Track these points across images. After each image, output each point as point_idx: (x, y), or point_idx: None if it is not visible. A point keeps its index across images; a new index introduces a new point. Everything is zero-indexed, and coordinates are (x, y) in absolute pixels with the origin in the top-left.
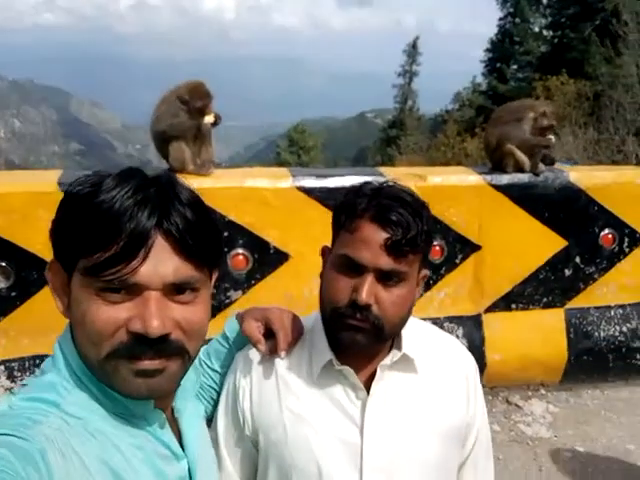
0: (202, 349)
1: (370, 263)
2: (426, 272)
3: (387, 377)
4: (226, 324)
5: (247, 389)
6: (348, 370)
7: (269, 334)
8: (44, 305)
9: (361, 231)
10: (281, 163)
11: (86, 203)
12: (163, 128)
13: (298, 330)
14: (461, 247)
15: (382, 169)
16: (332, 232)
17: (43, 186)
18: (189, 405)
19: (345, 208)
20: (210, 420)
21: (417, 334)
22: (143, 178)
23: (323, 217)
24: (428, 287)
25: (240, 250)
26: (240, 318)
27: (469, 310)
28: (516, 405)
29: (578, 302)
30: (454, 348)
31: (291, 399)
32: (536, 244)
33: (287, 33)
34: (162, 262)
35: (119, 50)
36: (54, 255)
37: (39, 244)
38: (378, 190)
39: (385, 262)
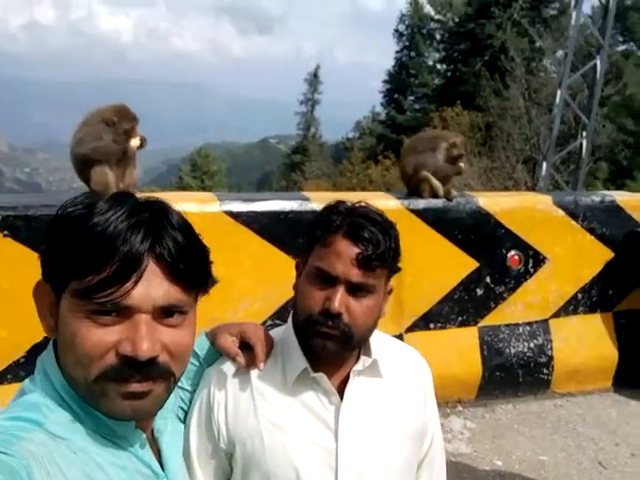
0: None
1: (342, 275)
2: (392, 286)
3: (357, 382)
4: (195, 342)
5: (222, 402)
6: (322, 377)
7: (244, 348)
8: None
9: (335, 245)
10: (184, 187)
11: (79, 225)
12: (85, 151)
13: (270, 343)
14: None
15: (307, 194)
16: (306, 246)
17: None
18: (169, 425)
19: (321, 224)
20: None
21: (378, 342)
22: (136, 202)
23: (250, 241)
24: None
25: None
26: (212, 335)
27: (391, 330)
28: None
29: (490, 320)
30: (411, 355)
31: (267, 409)
32: (451, 265)
33: (188, 58)
34: (153, 286)
35: (9, 71)
36: (43, 276)
37: None
38: (351, 209)
39: (356, 275)
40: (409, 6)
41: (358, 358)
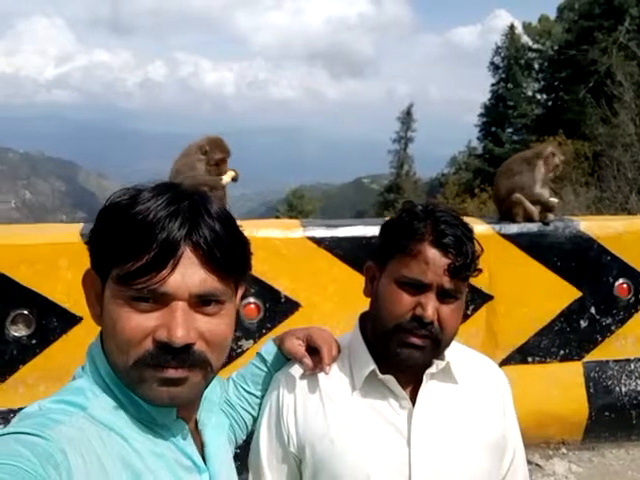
0: (236, 373)
1: (434, 282)
2: (466, 290)
3: (430, 386)
4: (262, 348)
5: (291, 405)
6: (391, 380)
7: (310, 351)
8: (62, 353)
9: (423, 255)
10: None
11: (123, 213)
12: (181, 181)
13: (337, 347)
14: (472, 297)
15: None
16: (382, 251)
17: (67, 237)
18: (213, 418)
19: (404, 232)
20: (247, 441)
21: (455, 350)
22: (177, 192)
23: (332, 266)
24: None
25: (252, 299)
26: (279, 340)
27: None
28: (537, 465)
29: (596, 355)
30: (488, 365)
31: (336, 412)
32: (549, 294)
33: (284, 104)
34: (189, 273)
35: (125, 124)
36: (90, 264)
37: (59, 293)
38: (432, 214)
39: (447, 281)
40: (505, 38)
41: (430, 361)
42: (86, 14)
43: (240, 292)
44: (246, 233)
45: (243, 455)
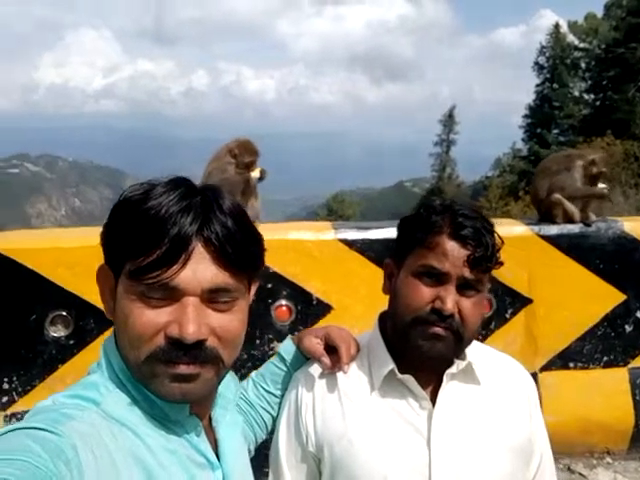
0: (255, 372)
1: (454, 272)
2: (488, 285)
3: (450, 387)
4: (281, 347)
5: (310, 405)
6: (410, 380)
7: (329, 350)
8: (99, 353)
9: (442, 247)
10: None
11: (136, 208)
12: (212, 183)
13: (356, 346)
14: (511, 300)
15: None
16: (400, 247)
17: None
18: (228, 415)
19: (421, 225)
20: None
21: (477, 350)
22: (190, 187)
23: (364, 268)
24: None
25: (284, 301)
26: (297, 339)
27: None
28: (580, 474)
29: None
30: (513, 366)
31: (354, 411)
32: (591, 297)
33: (324, 109)
34: (201, 269)
35: (169, 132)
36: (104, 260)
37: (97, 295)
38: (450, 207)
39: (467, 272)
40: (550, 37)
41: (451, 362)
42: (132, 25)
43: (254, 288)
44: (278, 236)
45: (264, 454)
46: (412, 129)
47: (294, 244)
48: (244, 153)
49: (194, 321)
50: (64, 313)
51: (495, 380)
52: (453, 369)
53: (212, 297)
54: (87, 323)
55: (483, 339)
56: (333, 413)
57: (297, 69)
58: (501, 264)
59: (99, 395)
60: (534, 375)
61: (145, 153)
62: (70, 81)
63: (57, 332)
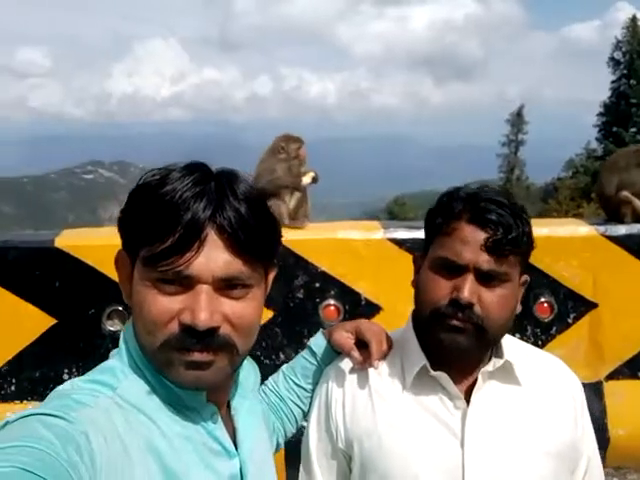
0: (286, 365)
1: (471, 262)
2: (526, 277)
3: (487, 386)
4: (311, 340)
5: (340, 400)
6: (443, 376)
7: (360, 345)
8: None
9: (459, 232)
10: None
11: (151, 193)
12: (262, 185)
13: (388, 341)
14: (574, 304)
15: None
16: (425, 237)
17: None
18: (246, 403)
19: (441, 211)
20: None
21: (518, 349)
22: (205, 172)
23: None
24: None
25: (332, 301)
26: (328, 333)
27: (586, 377)
28: None
29: None
30: (558, 366)
31: (385, 408)
32: None
33: (386, 112)
34: (214, 256)
35: (234, 137)
36: (122, 245)
37: None
38: (474, 194)
39: (486, 261)
40: (626, 31)
41: (490, 360)
42: (198, 34)
43: (271, 276)
44: (326, 235)
45: (295, 449)
46: (477, 130)
47: (342, 243)
48: (289, 142)
49: (206, 308)
50: (120, 308)
51: (537, 381)
52: (489, 367)
53: (225, 285)
54: None
55: (543, 344)
56: (363, 409)
57: (359, 72)
58: (531, 248)
59: (116, 380)
60: (599, 384)
61: (211, 158)
62: (140, 90)
63: (113, 326)
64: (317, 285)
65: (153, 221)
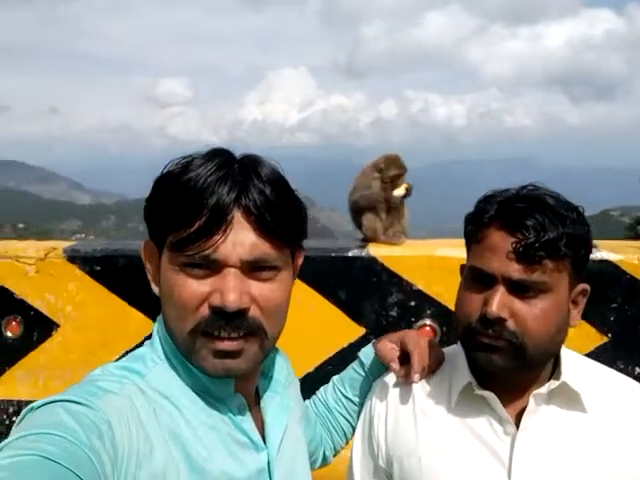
0: (336, 376)
1: (499, 272)
2: (584, 287)
3: (543, 412)
4: (362, 350)
5: (382, 416)
6: (490, 396)
7: (406, 358)
8: None
9: (488, 239)
10: None
11: (175, 181)
12: (356, 199)
13: (436, 356)
14: None
15: (596, 242)
16: (465, 246)
17: None
18: (278, 397)
19: (473, 217)
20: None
21: (585, 369)
22: (228, 156)
23: None
24: None
25: (427, 321)
26: (376, 343)
27: None
28: None
29: None
30: (635, 391)
31: (428, 427)
32: None
33: (517, 134)
34: (240, 239)
35: (357, 161)
36: (148, 234)
37: None
38: (510, 196)
39: (516, 270)
40: None
41: (549, 380)
42: (326, 62)
43: (299, 260)
44: (424, 252)
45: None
46: (619, 152)
47: (440, 261)
48: (390, 166)
49: (235, 290)
50: None
51: (606, 408)
52: (542, 389)
53: (253, 267)
54: None
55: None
56: (405, 427)
57: (489, 93)
58: (577, 255)
59: (144, 368)
60: None
61: (333, 181)
62: (270, 117)
63: None
64: (412, 304)
65: (179, 206)
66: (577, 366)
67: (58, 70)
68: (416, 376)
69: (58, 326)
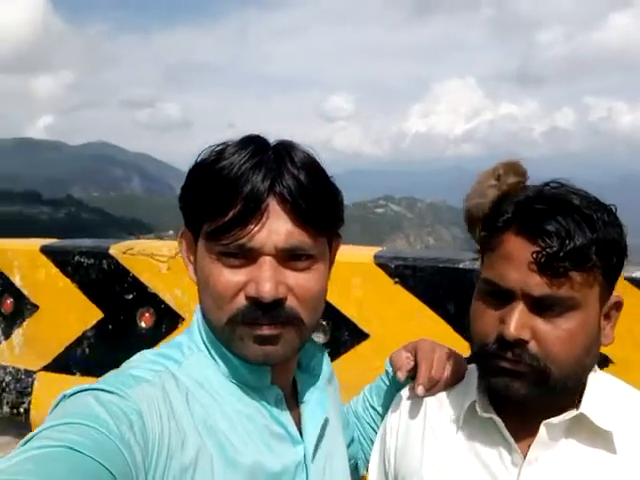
0: (367, 386)
1: (517, 286)
2: (618, 298)
3: (561, 446)
4: (387, 360)
5: (394, 430)
6: (495, 419)
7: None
8: (350, 366)
9: (504, 246)
10: None
11: (209, 169)
12: (469, 207)
13: (456, 369)
14: None
15: None
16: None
17: (361, 257)
18: (316, 392)
19: (489, 221)
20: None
21: (621, 399)
22: (262, 143)
23: None
24: None
25: None
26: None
27: None
28: None
29: None
30: None
31: (434, 448)
32: None
33: None
34: (275, 227)
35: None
36: (184, 222)
37: (352, 309)
38: (531, 196)
39: (536, 284)
40: None
41: (548, 400)
42: (495, 71)
43: (336, 248)
44: None
45: None
46: None
47: None
48: (509, 173)
49: (270, 279)
50: (324, 322)
51: (633, 443)
52: (554, 420)
53: (289, 256)
54: (341, 335)
55: None
56: (413, 444)
57: None
58: (609, 264)
59: (182, 355)
60: None
61: None
62: (434, 128)
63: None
64: None
65: (214, 195)
66: (609, 394)
67: (237, 89)
68: (419, 388)
69: (184, 320)
